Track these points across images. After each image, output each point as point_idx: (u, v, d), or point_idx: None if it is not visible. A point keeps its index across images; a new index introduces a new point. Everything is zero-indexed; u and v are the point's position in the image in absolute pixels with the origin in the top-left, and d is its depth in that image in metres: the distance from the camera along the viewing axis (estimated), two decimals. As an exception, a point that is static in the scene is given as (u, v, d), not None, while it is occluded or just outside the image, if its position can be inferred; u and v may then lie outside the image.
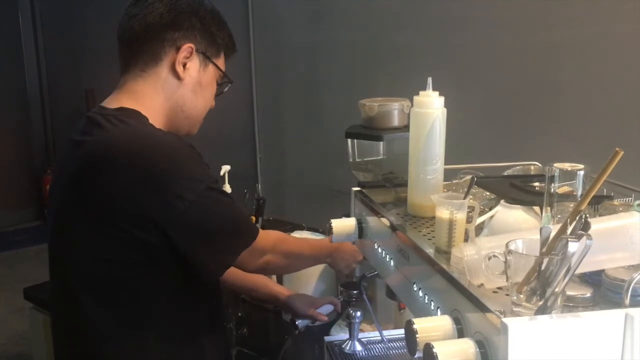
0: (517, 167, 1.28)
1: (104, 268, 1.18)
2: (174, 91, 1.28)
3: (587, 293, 0.79)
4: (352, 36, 2.39)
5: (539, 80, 1.88)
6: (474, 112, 1.96)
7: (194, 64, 1.29)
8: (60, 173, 1.26)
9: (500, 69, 1.97)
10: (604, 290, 0.80)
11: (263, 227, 2.29)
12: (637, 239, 0.81)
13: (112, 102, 1.26)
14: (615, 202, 1.00)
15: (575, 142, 1.76)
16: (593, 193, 0.73)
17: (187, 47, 1.26)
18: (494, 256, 0.78)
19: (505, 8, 1.91)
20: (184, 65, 1.27)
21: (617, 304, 0.76)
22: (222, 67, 1.36)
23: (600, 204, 0.99)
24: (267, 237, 1.35)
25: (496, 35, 1.95)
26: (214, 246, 1.21)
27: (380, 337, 1.38)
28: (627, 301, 0.74)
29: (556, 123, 1.86)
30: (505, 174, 1.25)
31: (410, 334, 0.80)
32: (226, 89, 1.39)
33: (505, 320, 0.70)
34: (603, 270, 0.81)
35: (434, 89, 1.11)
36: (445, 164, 1.16)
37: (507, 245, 0.76)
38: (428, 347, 0.75)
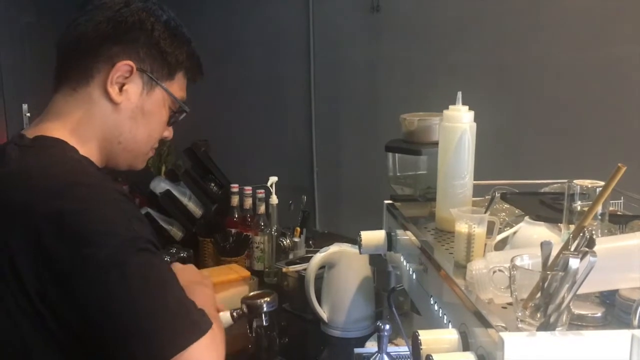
0: (555, 185, 1.25)
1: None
2: (107, 117, 1.06)
3: (598, 312, 0.77)
4: (410, 52, 2.40)
5: (597, 98, 1.82)
6: (527, 128, 1.93)
7: (135, 85, 1.07)
8: None
9: (556, 85, 1.92)
10: (616, 311, 0.78)
11: (309, 239, 2.31)
12: (653, 260, 0.78)
13: (35, 129, 1.06)
14: (644, 221, 0.96)
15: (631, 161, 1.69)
16: (595, 210, 0.71)
17: (123, 64, 1.04)
18: (499, 270, 0.77)
19: (563, 26, 1.87)
20: (121, 87, 1.06)
21: (628, 324, 0.74)
22: (178, 92, 1.14)
23: (628, 223, 0.96)
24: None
25: (554, 52, 1.90)
26: (139, 329, 0.87)
27: (408, 352, 1.37)
28: (636, 322, 0.72)
29: (610, 141, 1.79)
30: (543, 190, 1.23)
31: (416, 345, 0.81)
32: (182, 117, 1.16)
33: (503, 335, 0.70)
34: (617, 290, 0.79)
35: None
36: (486, 179, 1.15)
37: (512, 260, 0.75)
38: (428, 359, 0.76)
